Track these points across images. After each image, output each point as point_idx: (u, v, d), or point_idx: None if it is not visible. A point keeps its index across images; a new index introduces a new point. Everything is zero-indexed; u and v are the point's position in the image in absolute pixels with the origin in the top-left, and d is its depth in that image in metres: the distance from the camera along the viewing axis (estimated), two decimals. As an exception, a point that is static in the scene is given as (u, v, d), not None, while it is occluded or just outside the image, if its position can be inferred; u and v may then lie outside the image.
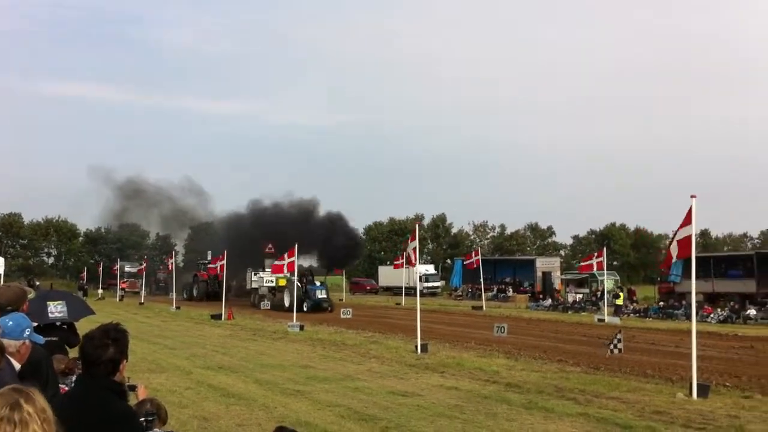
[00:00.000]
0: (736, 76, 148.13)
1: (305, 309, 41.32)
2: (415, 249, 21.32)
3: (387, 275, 67.98)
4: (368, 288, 73.52)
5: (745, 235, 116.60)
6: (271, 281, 46.79)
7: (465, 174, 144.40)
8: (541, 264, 61.61)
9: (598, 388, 14.15)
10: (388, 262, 71.69)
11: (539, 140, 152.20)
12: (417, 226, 21.48)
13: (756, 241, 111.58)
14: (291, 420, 10.83)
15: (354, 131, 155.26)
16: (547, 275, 59.42)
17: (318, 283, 46.13)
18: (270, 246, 50.73)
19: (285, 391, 13.81)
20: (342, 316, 33.76)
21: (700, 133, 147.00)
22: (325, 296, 45.04)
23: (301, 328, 27.96)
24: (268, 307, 44.61)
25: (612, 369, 17.57)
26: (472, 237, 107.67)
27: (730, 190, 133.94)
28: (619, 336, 21.28)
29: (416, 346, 20.67)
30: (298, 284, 41.30)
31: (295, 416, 11.24)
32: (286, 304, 41.47)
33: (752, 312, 38.09)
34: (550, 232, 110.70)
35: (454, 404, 12.38)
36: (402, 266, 31.58)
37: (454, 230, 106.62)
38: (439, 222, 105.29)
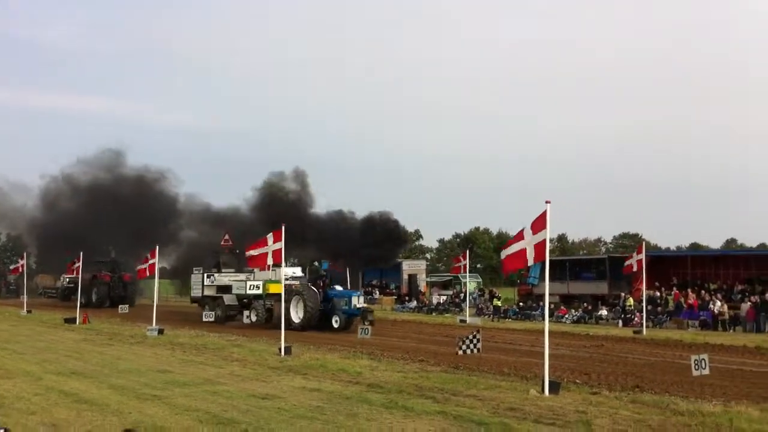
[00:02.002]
0: (587, 83, 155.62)
1: (335, 325, 31.61)
2: (279, 250, 21.12)
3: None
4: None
5: (599, 240, 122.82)
6: (256, 287, 36.19)
7: (334, 176, 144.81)
8: (408, 267, 62.62)
9: (457, 387, 14.46)
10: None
11: (404, 142, 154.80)
12: (283, 226, 21.26)
13: (609, 245, 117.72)
14: (146, 425, 10.50)
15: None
16: (413, 278, 60.46)
17: (339, 288, 34.59)
18: (227, 237, 42.43)
19: (141, 396, 13.36)
20: (204, 319, 33.12)
21: (555, 141, 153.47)
22: (365, 304, 34.52)
23: (161, 332, 27.18)
24: (250, 321, 35.24)
25: (470, 368, 18.03)
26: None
27: (587, 195, 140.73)
28: (477, 336, 21.87)
29: (280, 349, 20.51)
30: (314, 289, 32.81)
31: (150, 421, 10.89)
32: (296, 318, 32.22)
33: (604, 312, 40.13)
34: (417, 235, 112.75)
35: (316, 405, 12.34)
36: (266, 268, 29.88)
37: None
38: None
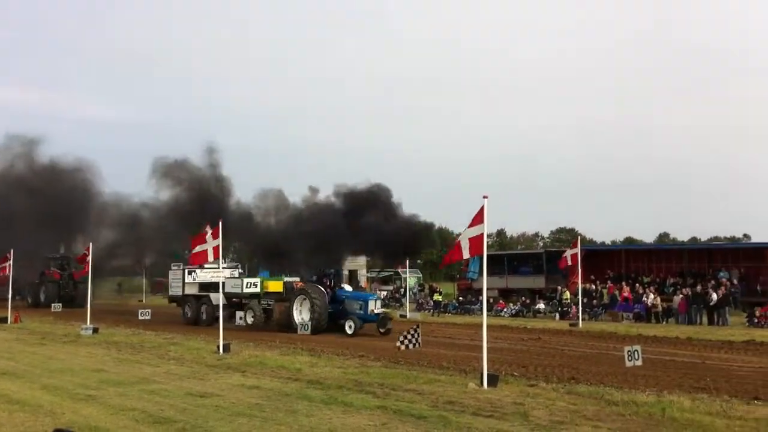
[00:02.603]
0: (515, 80, 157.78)
1: (349, 331, 27.85)
2: (217, 247, 20.86)
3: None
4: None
5: (537, 235, 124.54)
6: (254, 285, 32.50)
7: (272, 169, 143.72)
8: (348, 263, 62.54)
9: (396, 382, 14.51)
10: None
11: (344, 137, 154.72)
12: (220, 223, 21.00)
13: (547, 239, 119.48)
14: (81, 425, 10.26)
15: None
16: (353, 273, 60.42)
17: (348, 288, 31.77)
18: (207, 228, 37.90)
19: (75, 396, 13.07)
20: (140, 317, 32.48)
21: (490, 134, 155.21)
22: (382, 309, 30.46)
23: (95, 330, 26.60)
24: (245, 324, 31.31)
25: (410, 363, 18.11)
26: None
27: (526, 191, 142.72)
28: (417, 330, 21.94)
29: (218, 347, 20.29)
30: (322, 288, 29.53)
31: (84, 421, 10.64)
32: (299, 320, 29.18)
33: (541, 306, 40.73)
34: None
35: (254, 403, 12.23)
36: (202, 264, 28.35)
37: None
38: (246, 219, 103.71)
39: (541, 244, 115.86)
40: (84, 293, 48.85)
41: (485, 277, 15.74)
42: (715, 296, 32.47)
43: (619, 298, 36.88)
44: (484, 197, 14.73)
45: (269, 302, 31.45)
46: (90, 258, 28.54)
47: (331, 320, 28.84)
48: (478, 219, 14.52)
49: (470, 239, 14.54)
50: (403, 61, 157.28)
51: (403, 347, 20.80)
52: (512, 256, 53.17)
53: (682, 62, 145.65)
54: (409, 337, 21.75)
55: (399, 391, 13.35)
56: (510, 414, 11.13)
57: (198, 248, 21.59)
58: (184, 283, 35.39)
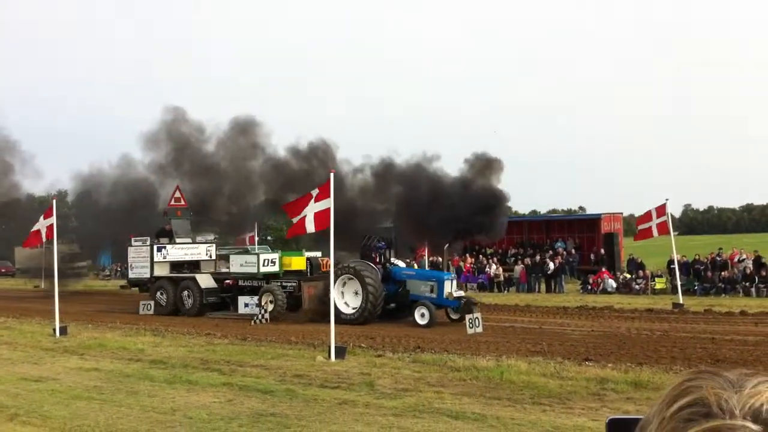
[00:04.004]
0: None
1: (421, 320, 21.06)
2: (51, 226, 19.81)
3: (25, 256, 62.68)
4: (3, 271, 67.35)
5: (388, 209, 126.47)
6: (271, 262, 25.04)
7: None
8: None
9: (243, 358, 14.35)
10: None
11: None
12: (54, 201, 19.97)
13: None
14: None
15: None
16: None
17: (400, 263, 25.25)
18: (178, 195, 30.66)
19: None
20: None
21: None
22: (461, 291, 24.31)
23: None
24: (262, 312, 22.79)
25: (258, 338, 17.93)
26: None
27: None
28: (266, 307, 21.83)
29: (54, 329, 19.33)
30: (372, 266, 22.91)
31: None
32: (344, 306, 22.14)
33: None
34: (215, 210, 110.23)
35: (93, 386, 11.77)
36: (36, 245, 25.86)
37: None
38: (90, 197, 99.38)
39: (390, 219, 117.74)
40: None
41: (332, 252, 15.81)
42: (552, 265, 34.14)
43: (463, 270, 38.08)
44: (331, 171, 14.79)
45: (290, 284, 24.32)
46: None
47: (421, 311, 21.69)
48: (325, 193, 14.53)
49: (316, 214, 14.53)
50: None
51: (252, 323, 20.61)
52: (379, 231, 53.54)
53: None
54: (262, 312, 21.63)
55: (246, 367, 13.23)
56: (356, 384, 11.26)
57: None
58: (152, 263, 28.09)
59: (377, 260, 23.60)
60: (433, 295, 21.79)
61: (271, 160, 36.94)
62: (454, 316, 21.88)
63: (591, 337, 17.78)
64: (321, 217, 14.43)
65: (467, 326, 18.81)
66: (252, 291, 24.68)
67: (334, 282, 19.90)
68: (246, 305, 24.20)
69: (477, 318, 19.37)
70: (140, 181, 39.53)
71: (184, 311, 25.91)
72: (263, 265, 24.68)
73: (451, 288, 22.11)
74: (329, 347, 14.28)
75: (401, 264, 25.04)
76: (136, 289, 30.10)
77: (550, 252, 37.27)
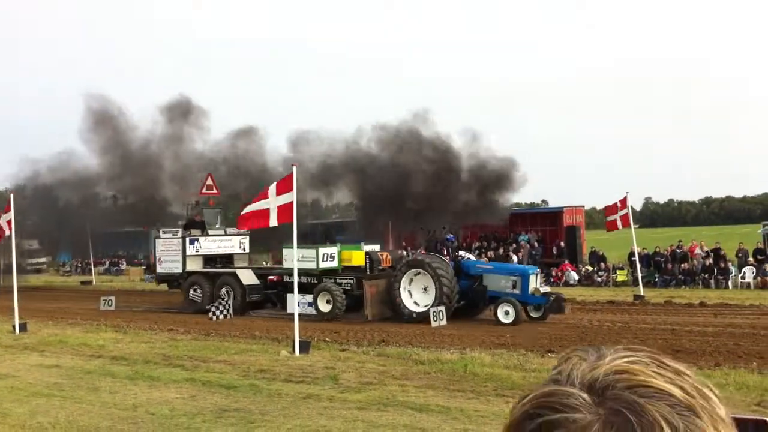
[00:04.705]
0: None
1: (505, 319, 19.07)
2: (9, 221, 19.47)
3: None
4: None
5: (352, 203, 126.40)
6: (330, 258, 22.23)
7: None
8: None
9: (207, 354, 14.25)
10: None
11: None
12: (12, 196, 19.61)
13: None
14: None
15: None
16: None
17: (470, 257, 23.25)
18: (210, 182, 28.79)
19: None
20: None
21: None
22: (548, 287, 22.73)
23: None
24: (317, 312, 21.26)
25: (222, 334, 17.82)
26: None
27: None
28: (229, 301, 21.70)
29: (14, 326, 19.02)
30: (444, 259, 21.64)
31: None
32: (412, 305, 20.34)
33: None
34: (167, 203, 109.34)
35: (54, 382, 11.61)
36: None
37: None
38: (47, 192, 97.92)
39: (355, 212, 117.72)
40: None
41: (295, 246, 15.75)
42: (515, 258, 34.36)
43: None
44: (293, 165, 14.73)
45: (350, 281, 21.86)
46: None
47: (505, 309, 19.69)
48: (288, 187, 14.47)
49: (279, 207, 14.46)
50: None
51: (213, 318, 20.50)
52: (327, 225, 53.59)
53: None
54: (220, 308, 21.50)
55: (209, 363, 13.14)
56: (321, 378, 11.25)
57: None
58: (185, 256, 25.71)
59: (446, 253, 20.96)
60: (516, 291, 19.87)
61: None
62: (534, 314, 19.84)
63: (554, 329, 17.94)
64: (284, 210, 14.36)
65: (431, 320, 18.84)
66: (301, 288, 20.67)
67: (400, 278, 20.17)
68: (297, 304, 20.81)
69: (441, 311, 19.16)
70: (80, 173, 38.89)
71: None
72: (322, 260, 22.11)
73: (536, 283, 20.30)
74: (293, 342, 14.23)
75: (469, 256, 23.05)
76: (164, 285, 27.95)
77: (514, 245, 37.52)
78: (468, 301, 20.72)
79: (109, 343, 16.14)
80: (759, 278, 28.44)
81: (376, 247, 24.15)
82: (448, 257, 21.02)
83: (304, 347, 14.20)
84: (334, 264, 22.19)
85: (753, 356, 13.11)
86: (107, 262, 55.84)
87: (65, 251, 59.22)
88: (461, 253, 22.57)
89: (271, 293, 23.75)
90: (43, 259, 64.63)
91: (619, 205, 25.47)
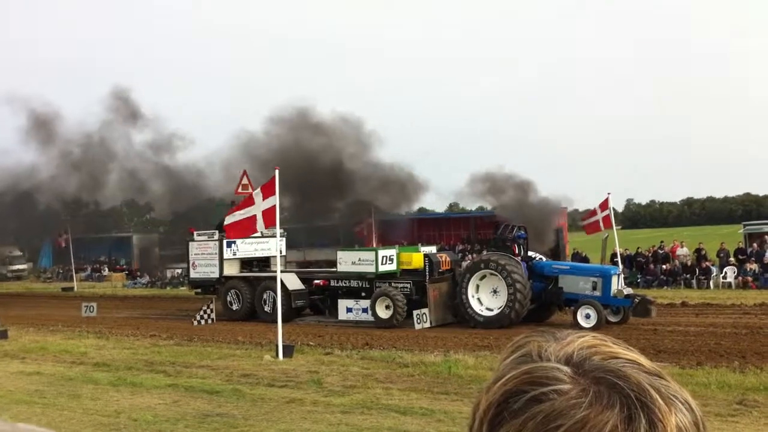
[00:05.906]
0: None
1: (586, 323, 17.66)
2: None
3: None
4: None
5: (335, 207, 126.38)
6: (389, 260, 20.74)
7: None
8: (139, 241, 60.32)
9: (190, 359, 14.19)
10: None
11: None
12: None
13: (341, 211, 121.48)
14: None
15: None
16: (144, 252, 58.36)
17: (539, 256, 21.50)
18: (246, 181, 27.12)
19: None
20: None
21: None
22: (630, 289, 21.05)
23: None
24: (376, 320, 19.78)
25: (205, 339, 17.74)
26: (62, 216, 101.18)
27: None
28: (212, 306, 21.63)
29: (-6, 334, 18.86)
30: (516, 259, 19.60)
31: None
32: (480, 307, 19.23)
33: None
34: (149, 208, 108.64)
35: (35, 389, 11.51)
36: None
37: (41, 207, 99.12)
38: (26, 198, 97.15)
39: (337, 216, 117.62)
40: None
41: (283, 250, 15.73)
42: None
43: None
44: (276, 168, 14.71)
45: (402, 285, 20.46)
46: None
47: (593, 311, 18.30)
48: (271, 191, 14.45)
49: (263, 212, 14.45)
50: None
51: (195, 323, 20.41)
52: (310, 229, 53.47)
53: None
54: (203, 313, 21.42)
55: (192, 368, 13.09)
56: (304, 382, 11.23)
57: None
58: (222, 260, 23.88)
59: (517, 252, 20.21)
60: (597, 293, 18.63)
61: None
62: (613, 319, 18.69)
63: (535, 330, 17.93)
64: (267, 214, 14.35)
65: (415, 322, 18.80)
66: (351, 293, 20.78)
67: (468, 280, 19.08)
68: (349, 310, 20.72)
69: (423, 313, 18.76)
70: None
71: (265, 316, 21.68)
72: (381, 263, 20.62)
73: (618, 284, 19.24)
74: (277, 346, 14.19)
75: (537, 256, 21.33)
76: (199, 290, 25.98)
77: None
78: (540, 304, 19.62)
79: (91, 350, 16.02)
80: (740, 278, 28.64)
81: (433, 249, 23.17)
82: (519, 257, 19.93)
83: (288, 351, 14.16)
84: (393, 267, 20.81)
85: (734, 355, 13.21)
86: (89, 269, 55.48)
87: (46, 257, 58.77)
88: (530, 253, 21.10)
89: (317, 299, 22.32)
90: (24, 266, 64.17)
91: (598, 209, 25.53)
